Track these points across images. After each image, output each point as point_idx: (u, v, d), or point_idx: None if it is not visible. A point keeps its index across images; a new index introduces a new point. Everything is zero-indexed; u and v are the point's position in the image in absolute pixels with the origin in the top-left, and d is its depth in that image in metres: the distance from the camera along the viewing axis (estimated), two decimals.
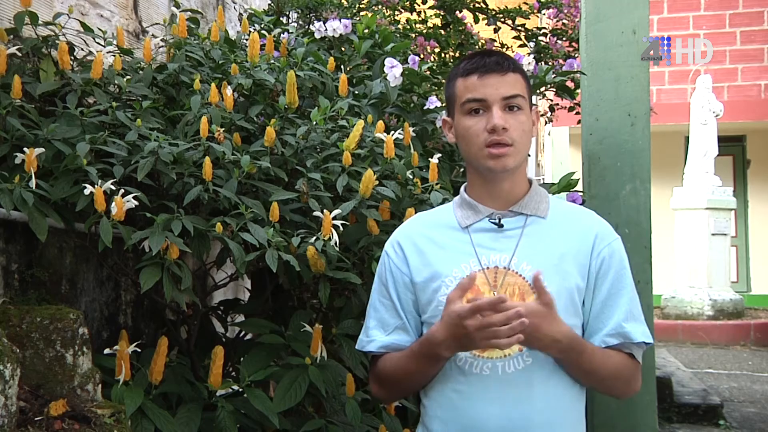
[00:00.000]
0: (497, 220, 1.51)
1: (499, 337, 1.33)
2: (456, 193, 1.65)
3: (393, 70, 2.59)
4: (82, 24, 2.53)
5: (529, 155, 1.63)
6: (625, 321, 1.48)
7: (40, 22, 2.30)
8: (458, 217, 1.55)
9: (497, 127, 1.46)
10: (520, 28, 4.59)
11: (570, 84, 3.26)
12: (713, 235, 8.55)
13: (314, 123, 2.34)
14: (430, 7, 4.49)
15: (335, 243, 2.04)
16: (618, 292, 1.50)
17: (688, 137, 9.01)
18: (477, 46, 4.38)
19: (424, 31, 4.31)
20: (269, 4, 3.84)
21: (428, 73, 2.94)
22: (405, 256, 1.55)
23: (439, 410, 1.50)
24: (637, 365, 1.52)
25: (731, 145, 10.27)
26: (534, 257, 1.48)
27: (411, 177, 2.28)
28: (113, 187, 1.89)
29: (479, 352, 1.45)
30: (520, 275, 1.47)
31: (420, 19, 4.47)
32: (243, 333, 2.58)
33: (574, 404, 1.50)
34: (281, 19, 3.60)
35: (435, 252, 1.53)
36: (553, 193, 2.48)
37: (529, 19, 4.62)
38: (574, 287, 1.48)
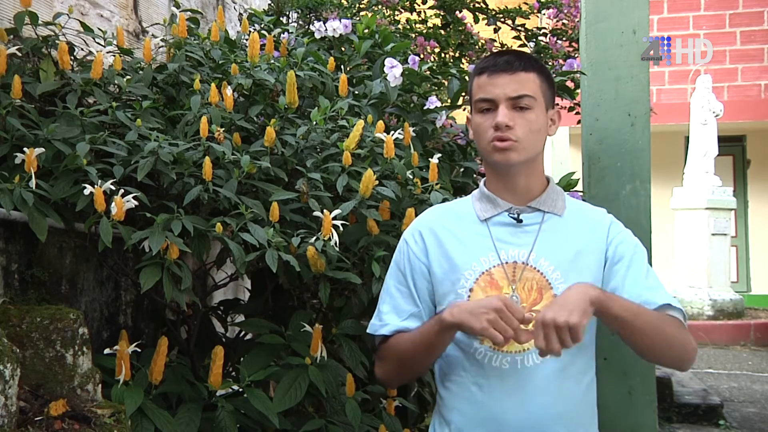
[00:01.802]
0: (516, 215, 1.55)
1: (504, 331, 1.35)
2: (456, 193, 1.67)
3: (393, 70, 2.59)
4: (82, 24, 2.53)
5: None
6: (644, 291, 1.50)
7: (40, 22, 2.30)
8: (477, 209, 1.59)
9: (500, 125, 1.49)
10: (520, 28, 4.59)
11: (570, 84, 3.26)
12: (713, 235, 8.55)
13: (314, 123, 2.34)
14: (430, 7, 4.48)
15: (335, 243, 2.04)
16: (633, 271, 1.52)
17: (688, 137, 9.00)
18: (477, 46, 4.38)
19: (424, 31, 4.31)
20: (269, 4, 3.84)
21: (428, 73, 2.94)
22: (425, 246, 1.58)
23: (458, 402, 1.53)
24: (685, 330, 1.52)
25: (731, 145, 10.27)
26: (551, 253, 1.52)
27: (411, 177, 2.28)
28: (113, 187, 1.89)
29: (497, 346, 1.47)
30: (538, 270, 1.51)
31: (420, 19, 4.46)
32: (243, 333, 2.58)
33: (587, 396, 1.54)
34: (281, 19, 3.60)
35: (455, 244, 1.56)
36: None
37: (529, 19, 4.62)
38: (591, 282, 1.50)
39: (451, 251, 1.55)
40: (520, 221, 1.54)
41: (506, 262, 1.52)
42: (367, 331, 1.66)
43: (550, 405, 1.46)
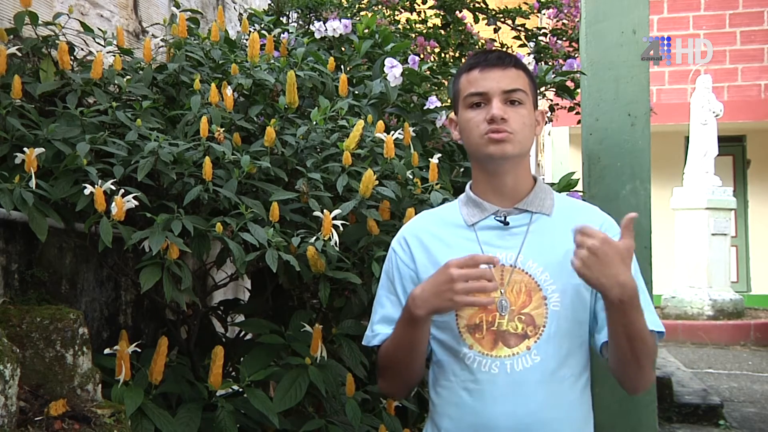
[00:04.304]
0: (503, 218, 1.52)
1: (479, 289, 1.35)
2: (456, 193, 1.65)
3: (393, 70, 2.59)
4: (82, 24, 2.53)
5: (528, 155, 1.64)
6: None
7: (40, 22, 2.30)
8: (464, 215, 1.57)
9: (496, 117, 1.47)
10: (520, 28, 4.59)
11: (570, 84, 3.26)
12: (713, 235, 8.55)
13: (314, 123, 2.34)
14: (430, 7, 4.49)
15: (335, 243, 2.04)
16: None
17: (688, 137, 9.01)
18: (477, 46, 4.38)
19: (424, 31, 4.31)
20: (269, 4, 3.84)
21: (428, 73, 2.94)
22: (411, 252, 1.57)
23: (448, 408, 1.51)
24: (654, 359, 1.50)
25: (731, 145, 10.27)
26: (540, 254, 1.49)
27: (411, 177, 2.28)
28: (113, 187, 1.89)
29: (488, 350, 1.46)
30: (527, 273, 1.49)
31: (420, 19, 4.47)
32: (243, 333, 2.58)
33: (581, 400, 1.51)
34: (281, 19, 3.60)
35: (441, 250, 1.54)
36: None
37: (529, 19, 4.62)
38: (581, 283, 1.47)
39: (438, 256, 1.53)
40: (507, 224, 1.52)
41: (494, 266, 1.49)
42: (363, 343, 1.64)
43: (540, 410, 1.44)
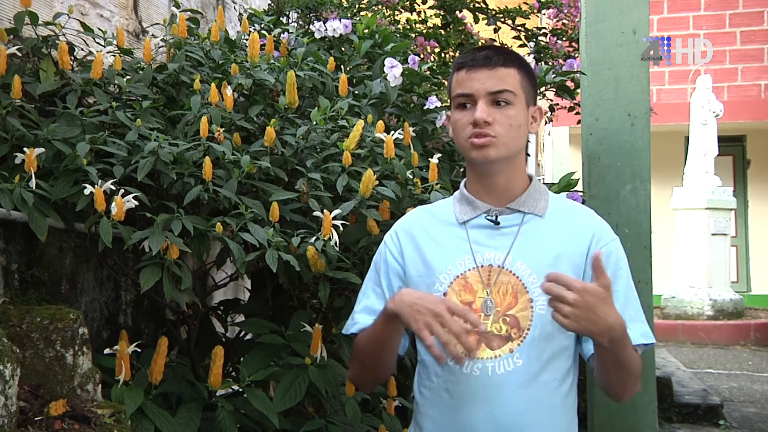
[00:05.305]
0: (494, 217, 1.51)
1: (448, 341, 1.30)
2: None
3: (393, 70, 2.59)
4: (82, 24, 2.53)
5: (528, 155, 1.63)
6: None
7: (40, 22, 2.30)
8: (456, 212, 1.56)
9: (478, 121, 1.46)
10: (520, 28, 4.59)
11: (570, 84, 3.26)
12: (713, 235, 8.55)
13: (314, 123, 2.34)
14: (430, 7, 4.49)
15: (335, 243, 2.04)
16: (614, 294, 1.46)
17: (688, 137, 9.01)
18: (477, 46, 4.38)
19: (424, 31, 4.32)
20: (269, 4, 3.84)
21: (428, 73, 2.94)
22: (401, 247, 1.57)
23: (430, 409, 1.50)
24: (640, 372, 1.50)
25: (731, 145, 10.27)
26: (529, 256, 1.48)
27: (411, 177, 2.28)
28: (113, 187, 1.89)
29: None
30: (514, 274, 1.47)
31: (420, 19, 4.47)
32: (243, 333, 2.58)
33: (564, 405, 1.49)
34: (281, 19, 3.60)
35: (431, 247, 1.53)
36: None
37: (529, 19, 4.63)
38: None
39: (428, 254, 1.52)
40: (498, 223, 1.50)
41: (482, 266, 1.48)
42: (342, 331, 1.64)
43: (520, 414, 1.42)
